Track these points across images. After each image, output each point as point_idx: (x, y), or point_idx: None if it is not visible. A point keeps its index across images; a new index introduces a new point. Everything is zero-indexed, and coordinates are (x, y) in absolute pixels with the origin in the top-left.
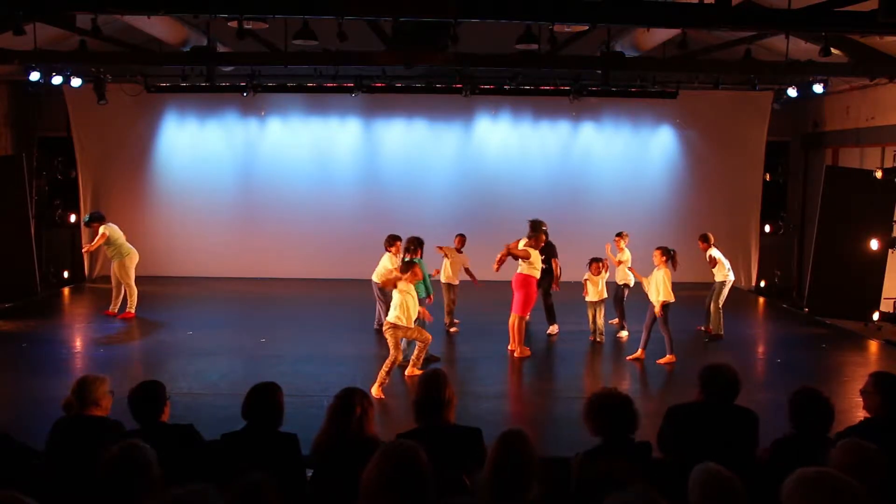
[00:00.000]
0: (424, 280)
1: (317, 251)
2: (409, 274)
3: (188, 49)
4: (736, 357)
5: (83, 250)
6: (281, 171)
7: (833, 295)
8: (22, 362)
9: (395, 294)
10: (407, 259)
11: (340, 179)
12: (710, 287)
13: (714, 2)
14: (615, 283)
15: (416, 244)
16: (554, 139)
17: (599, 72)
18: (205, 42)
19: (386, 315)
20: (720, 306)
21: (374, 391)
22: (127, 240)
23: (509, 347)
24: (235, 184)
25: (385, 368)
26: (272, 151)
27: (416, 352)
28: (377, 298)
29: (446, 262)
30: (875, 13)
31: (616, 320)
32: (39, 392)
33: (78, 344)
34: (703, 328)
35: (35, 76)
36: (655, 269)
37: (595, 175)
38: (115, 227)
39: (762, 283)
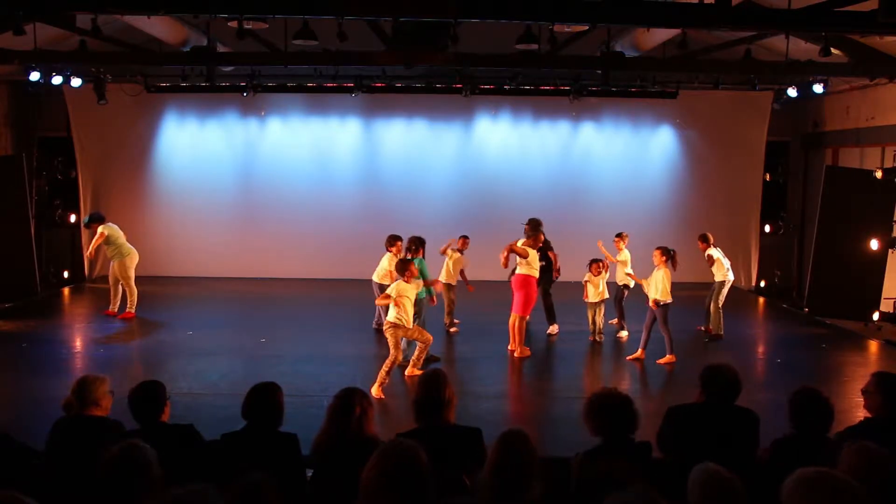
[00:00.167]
0: (425, 280)
1: (317, 251)
2: (406, 273)
3: (188, 49)
4: (736, 357)
5: (85, 254)
6: (281, 171)
7: (833, 295)
8: (22, 362)
9: (396, 288)
10: (404, 258)
11: (340, 179)
12: (710, 287)
13: (714, 2)
14: (615, 283)
15: (417, 244)
16: (554, 139)
17: (599, 72)
18: (205, 42)
19: (386, 315)
20: (720, 306)
21: (374, 391)
22: (127, 240)
23: (509, 347)
24: (235, 184)
25: (385, 368)
26: (272, 151)
27: (416, 352)
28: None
29: (448, 262)
30: (875, 13)
31: (616, 320)
32: (39, 392)
33: (78, 344)
34: (702, 328)
35: (35, 76)
36: (655, 269)
37: (595, 175)
38: (115, 227)
39: (762, 283)
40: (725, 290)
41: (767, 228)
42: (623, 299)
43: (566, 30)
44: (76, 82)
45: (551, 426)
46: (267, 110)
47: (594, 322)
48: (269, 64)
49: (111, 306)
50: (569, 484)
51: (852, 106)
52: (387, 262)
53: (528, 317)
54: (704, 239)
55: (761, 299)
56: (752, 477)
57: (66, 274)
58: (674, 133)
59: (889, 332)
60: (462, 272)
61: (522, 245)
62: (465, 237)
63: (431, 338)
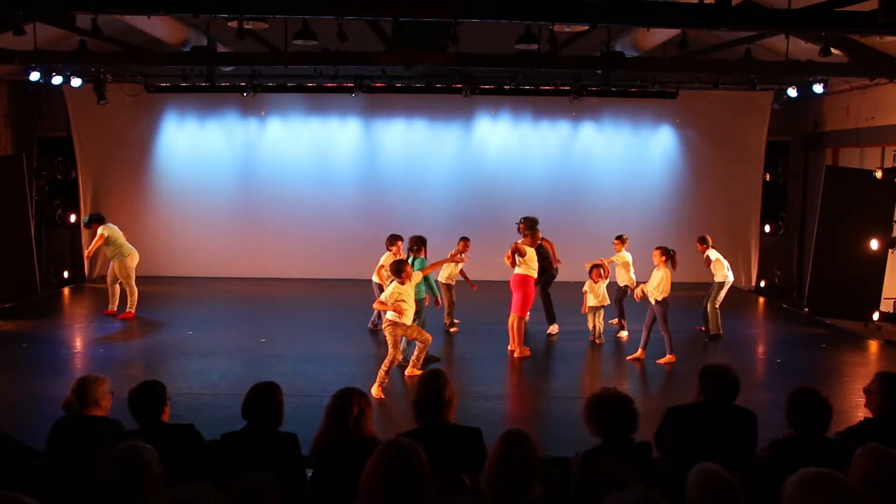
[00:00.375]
0: (428, 280)
1: (317, 251)
2: (403, 274)
3: (188, 49)
4: (736, 357)
5: (85, 255)
6: (281, 171)
7: (833, 295)
8: (22, 362)
9: (392, 291)
10: (399, 258)
11: (340, 179)
12: (709, 287)
13: (714, 2)
14: (616, 283)
15: (419, 243)
16: (554, 139)
17: (599, 72)
18: (205, 42)
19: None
20: (717, 307)
21: (374, 391)
22: (127, 240)
23: (509, 347)
24: (235, 184)
25: (384, 368)
26: (272, 151)
27: (415, 352)
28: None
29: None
30: (875, 13)
31: (616, 320)
32: (39, 392)
33: (78, 344)
34: (702, 328)
35: (35, 76)
36: (655, 269)
37: (595, 175)
38: (115, 228)
39: (762, 283)
40: (724, 291)
41: (767, 228)
42: (624, 299)
43: (566, 30)
44: (76, 82)
45: (551, 426)
46: (267, 110)
47: (594, 326)
48: (269, 64)
49: (110, 305)
50: (569, 484)
51: (852, 106)
52: (386, 262)
53: (527, 317)
54: (703, 241)
55: (761, 299)
56: (751, 477)
57: (66, 274)
58: (674, 133)
59: (889, 332)
60: (462, 272)
61: (521, 245)
62: (465, 239)
63: (430, 337)
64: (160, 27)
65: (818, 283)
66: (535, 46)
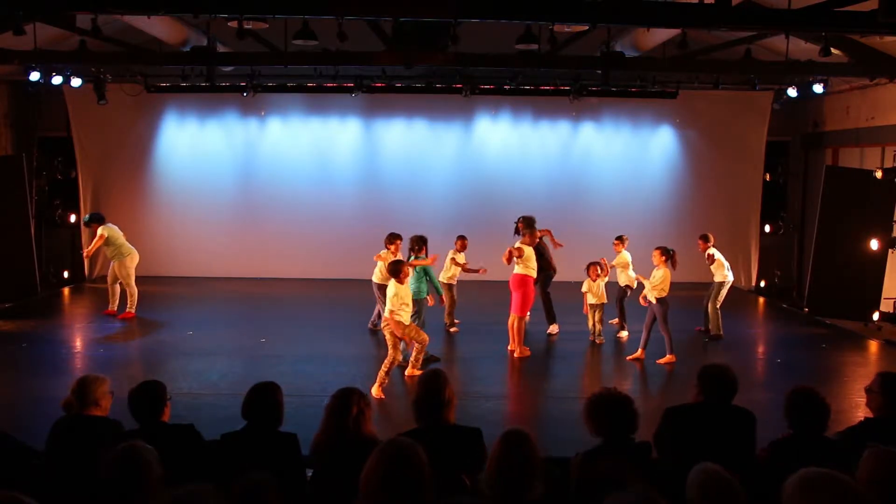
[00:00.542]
0: (431, 280)
1: (317, 251)
2: (401, 274)
3: (188, 49)
4: (736, 357)
5: (84, 255)
6: (281, 171)
7: (833, 295)
8: (22, 362)
9: (396, 293)
10: (398, 258)
11: (340, 179)
12: (709, 287)
13: (714, 2)
14: (617, 284)
15: (420, 243)
16: (554, 139)
17: (599, 72)
18: (205, 42)
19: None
20: (717, 307)
21: (374, 391)
22: (127, 240)
23: (509, 347)
24: (235, 184)
25: (384, 368)
26: (272, 151)
27: (413, 353)
28: (377, 299)
29: (448, 262)
30: (875, 13)
31: (616, 320)
32: (39, 392)
33: (78, 344)
34: (702, 328)
35: (35, 76)
36: (655, 269)
37: (595, 175)
38: (115, 228)
39: (762, 283)
40: (724, 291)
41: (767, 228)
42: (624, 299)
43: (566, 30)
44: (76, 82)
45: (551, 426)
46: (267, 110)
47: (593, 325)
48: (269, 64)
49: (110, 305)
50: (569, 484)
51: (852, 106)
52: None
53: (527, 317)
54: (705, 238)
55: (761, 299)
56: (750, 476)
57: (66, 274)
58: (674, 133)
59: (889, 332)
60: (466, 267)
61: (520, 244)
62: (462, 238)
63: (427, 338)
64: (160, 27)
65: (818, 283)
66: (535, 46)
